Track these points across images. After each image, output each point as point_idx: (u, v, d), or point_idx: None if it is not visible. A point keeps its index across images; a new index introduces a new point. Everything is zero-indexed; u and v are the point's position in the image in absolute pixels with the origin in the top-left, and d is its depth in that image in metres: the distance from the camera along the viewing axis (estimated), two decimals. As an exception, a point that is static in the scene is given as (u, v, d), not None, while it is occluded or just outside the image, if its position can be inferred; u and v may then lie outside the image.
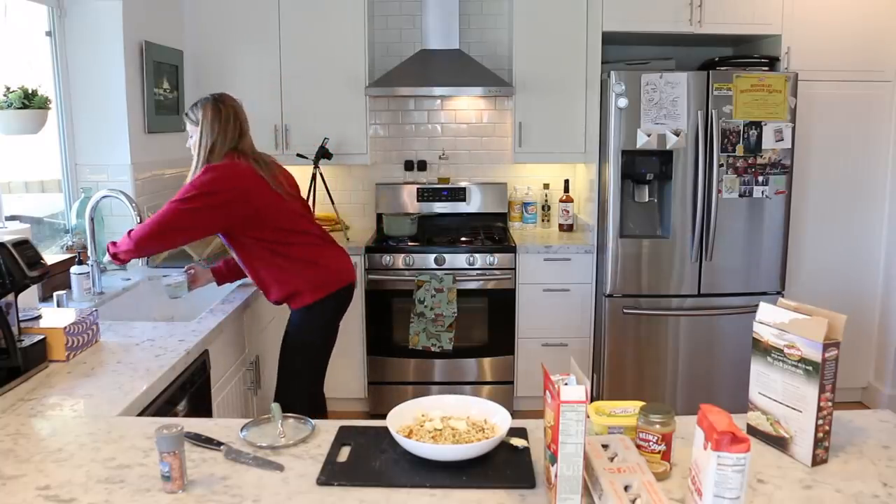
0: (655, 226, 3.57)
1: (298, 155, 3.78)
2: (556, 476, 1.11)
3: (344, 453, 1.35)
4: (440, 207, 4.13)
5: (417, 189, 4.10)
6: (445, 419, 1.41)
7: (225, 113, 2.43)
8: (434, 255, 3.64)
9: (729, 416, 1.09)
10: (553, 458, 1.12)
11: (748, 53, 3.75)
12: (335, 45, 3.78)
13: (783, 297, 3.44)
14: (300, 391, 2.56)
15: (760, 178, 3.42)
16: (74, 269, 2.52)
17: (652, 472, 1.17)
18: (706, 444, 1.06)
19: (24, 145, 2.79)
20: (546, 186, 4.19)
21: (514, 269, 3.66)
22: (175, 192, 3.58)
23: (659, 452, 1.24)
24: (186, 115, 2.41)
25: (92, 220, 2.65)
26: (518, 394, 3.78)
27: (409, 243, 3.73)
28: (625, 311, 3.52)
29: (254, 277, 2.49)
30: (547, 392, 1.18)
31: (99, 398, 1.64)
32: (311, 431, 1.44)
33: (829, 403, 1.27)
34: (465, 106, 4.18)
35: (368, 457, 1.33)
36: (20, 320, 1.85)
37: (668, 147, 3.39)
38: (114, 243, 2.33)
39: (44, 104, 2.58)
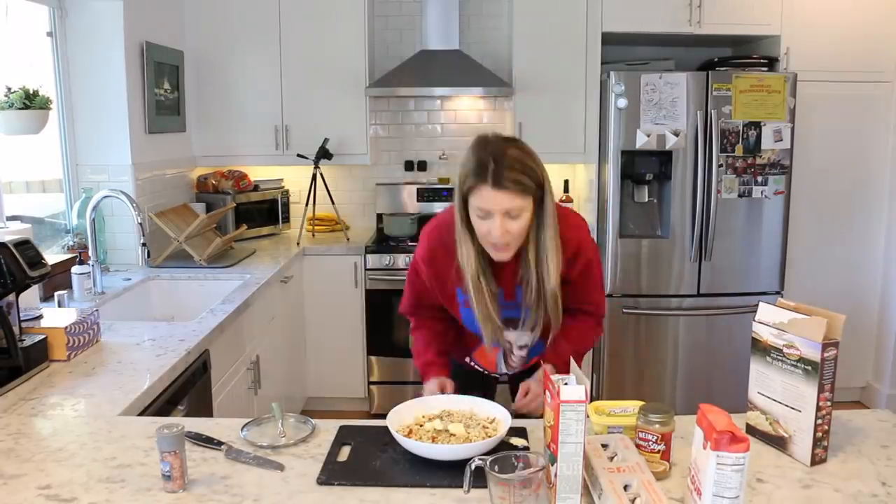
0: (655, 226, 3.57)
1: (299, 155, 3.78)
2: (556, 475, 1.12)
3: (344, 453, 1.36)
4: (440, 207, 4.12)
5: (417, 189, 4.10)
6: (445, 419, 1.42)
7: None
8: (434, 255, 3.64)
9: (728, 415, 1.09)
10: (553, 458, 1.13)
11: (747, 54, 3.75)
12: (335, 45, 3.78)
13: (782, 296, 3.45)
14: None
15: (759, 179, 3.43)
16: (75, 269, 2.53)
17: (651, 472, 1.18)
18: (705, 443, 1.06)
19: (25, 145, 2.80)
20: (546, 186, 4.18)
21: (514, 269, 3.66)
22: (176, 192, 3.63)
23: (658, 452, 1.24)
24: (520, 183, 1.51)
25: (93, 220, 2.65)
26: (518, 394, 3.78)
27: (410, 243, 3.73)
28: (624, 311, 3.53)
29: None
30: (547, 392, 1.18)
31: (100, 398, 1.64)
32: (311, 431, 1.45)
33: (828, 403, 1.28)
34: (465, 106, 4.18)
35: (368, 456, 1.34)
36: (21, 320, 1.85)
37: (667, 147, 3.40)
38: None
39: (45, 104, 2.59)
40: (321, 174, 3.82)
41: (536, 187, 1.54)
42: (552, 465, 1.13)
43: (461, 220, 1.60)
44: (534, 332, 1.76)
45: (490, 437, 1.33)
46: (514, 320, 1.73)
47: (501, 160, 1.50)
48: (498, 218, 1.51)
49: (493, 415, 1.44)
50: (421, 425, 1.40)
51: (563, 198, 4.07)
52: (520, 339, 1.79)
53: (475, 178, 1.51)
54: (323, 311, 3.71)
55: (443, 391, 1.71)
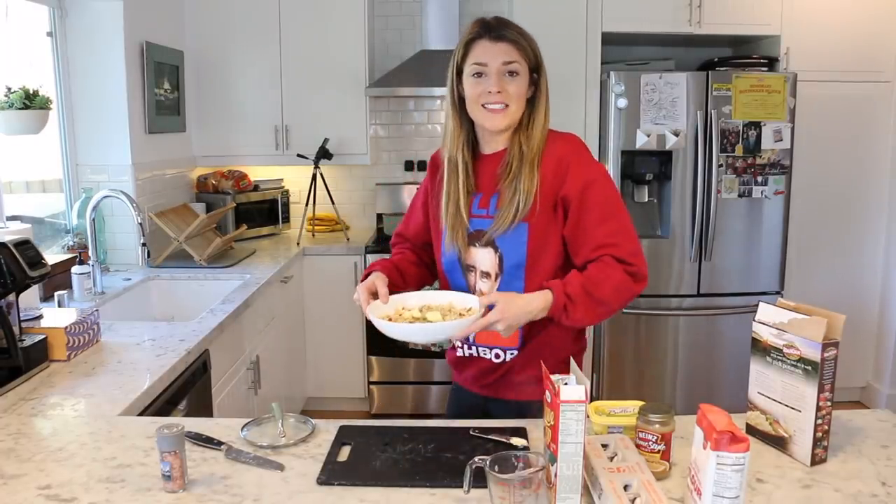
0: (655, 226, 3.57)
1: (299, 155, 3.78)
2: (555, 476, 1.12)
3: (344, 453, 1.36)
4: (440, 207, 4.12)
5: (417, 189, 4.09)
6: (424, 309, 1.47)
7: None
8: (434, 255, 3.64)
9: (728, 415, 1.09)
10: (553, 458, 1.13)
11: (747, 54, 3.75)
12: (335, 45, 3.78)
13: (782, 296, 3.45)
14: None
15: (759, 179, 3.43)
16: (75, 268, 2.53)
17: (651, 472, 1.18)
18: (705, 443, 1.06)
19: (25, 145, 2.80)
20: (546, 186, 4.18)
21: (514, 269, 3.66)
22: (176, 192, 3.63)
23: (658, 452, 1.24)
24: (517, 41, 1.53)
25: (93, 220, 2.65)
26: (518, 394, 3.78)
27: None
28: (624, 311, 3.52)
29: (546, 340, 1.59)
30: (547, 392, 1.18)
31: (100, 398, 1.64)
32: (311, 431, 1.45)
33: (828, 403, 1.28)
34: (465, 106, 4.18)
35: (368, 456, 1.34)
36: (21, 320, 1.85)
37: (667, 147, 3.40)
38: (629, 277, 1.49)
39: (45, 104, 2.59)
40: (321, 174, 3.82)
41: (534, 57, 1.53)
42: (552, 465, 1.13)
43: (451, 102, 1.57)
44: (498, 253, 1.55)
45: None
46: (482, 233, 1.57)
47: (502, 20, 1.53)
48: (495, 73, 1.49)
49: (469, 305, 1.46)
50: (400, 314, 1.44)
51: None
52: (483, 261, 1.58)
53: (474, 33, 1.52)
54: (323, 311, 3.71)
55: (374, 288, 1.52)
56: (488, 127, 1.54)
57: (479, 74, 1.51)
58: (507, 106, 1.50)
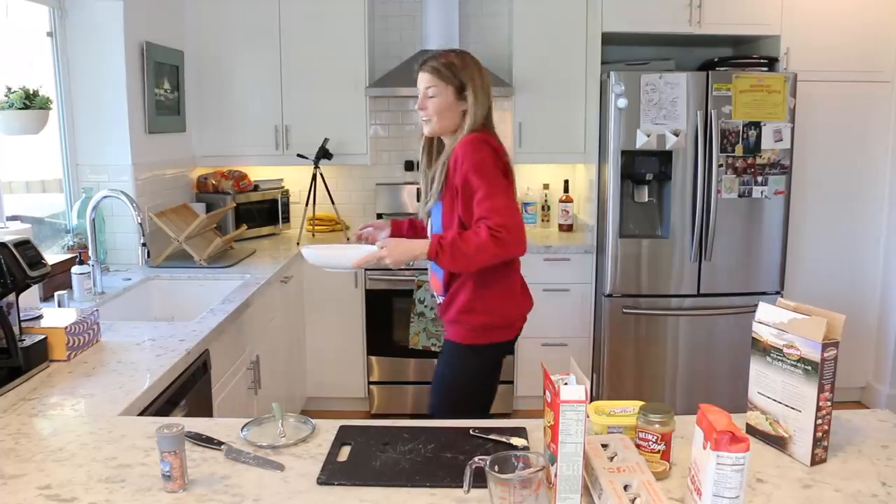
0: (655, 226, 3.57)
1: (299, 155, 3.78)
2: (555, 475, 1.12)
3: (344, 453, 1.36)
4: (440, 207, 4.12)
5: (417, 189, 4.09)
6: None
7: (488, 80, 2.07)
8: (434, 255, 3.64)
9: (728, 415, 1.09)
10: (553, 458, 1.13)
11: (747, 54, 3.75)
12: (335, 45, 3.78)
13: (782, 296, 3.45)
14: None
15: (759, 179, 3.43)
16: (75, 269, 2.53)
17: (651, 472, 1.18)
18: (705, 443, 1.07)
19: (25, 145, 2.80)
20: (546, 186, 4.19)
21: (514, 269, 3.66)
22: (176, 192, 3.63)
23: (658, 452, 1.24)
24: (436, 69, 2.00)
25: (93, 220, 2.65)
26: (518, 393, 3.78)
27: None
28: (624, 310, 3.53)
29: (456, 290, 2.07)
30: (547, 392, 1.18)
31: (100, 398, 1.64)
32: (311, 431, 1.45)
33: (828, 403, 1.28)
34: (465, 106, 4.18)
35: (368, 456, 1.34)
36: (21, 320, 1.85)
37: (667, 147, 3.40)
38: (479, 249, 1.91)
39: (45, 104, 2.59)
40: (321, 174, 3.82)
41: (455, 79, 2.00)
42: (552, 465, 1.13)
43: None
44: (430, 223, 2.13)
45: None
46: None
47: (435, 54, 2.05)
48: (420, 95, 2.04)
49: None
50: None
51: (563, 197, 4.07)
52: (428, 223, 2.16)
53: (416, 64, 2.06)
54: (323, 311, 3.71)
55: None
56: (424, 132, 2.10)
57: (418, 95, 2.05)
58: (430, 119, 2.04)
